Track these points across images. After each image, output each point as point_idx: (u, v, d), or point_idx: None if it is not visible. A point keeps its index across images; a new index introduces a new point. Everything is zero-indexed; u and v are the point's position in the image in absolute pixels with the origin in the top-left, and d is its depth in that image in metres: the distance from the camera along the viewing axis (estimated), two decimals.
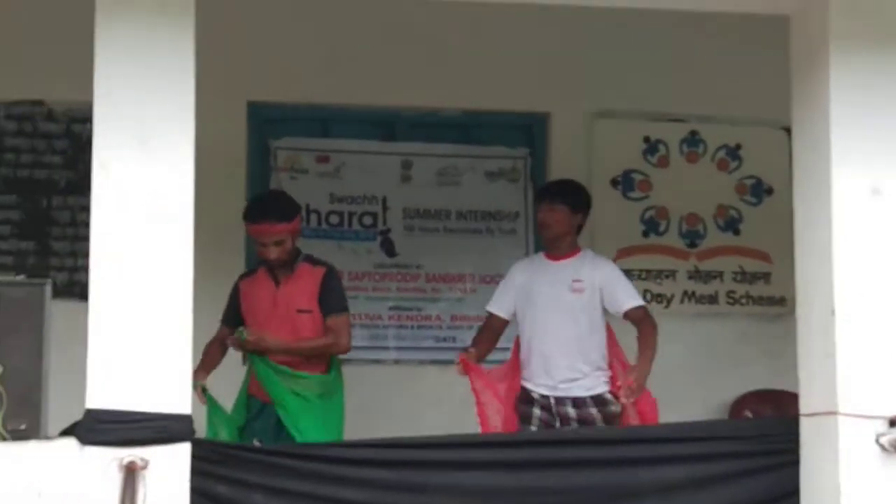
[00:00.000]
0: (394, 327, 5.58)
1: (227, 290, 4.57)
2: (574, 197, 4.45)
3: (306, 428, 4.17)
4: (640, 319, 4.33)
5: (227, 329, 4.45)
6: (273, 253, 4.28)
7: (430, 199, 5.67)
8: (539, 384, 4.31)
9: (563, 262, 4.42)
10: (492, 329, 4.48)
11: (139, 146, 3.28)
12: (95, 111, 3.29)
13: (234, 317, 4.44)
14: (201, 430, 3.81)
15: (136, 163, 3.27)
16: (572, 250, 4.44)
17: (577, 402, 4.27)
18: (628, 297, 4.37)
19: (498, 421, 4.23)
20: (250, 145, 5.52)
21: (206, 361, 4.25)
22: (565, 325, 4.30)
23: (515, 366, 4.41)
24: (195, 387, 3.80)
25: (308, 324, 4.31)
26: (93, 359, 3.19)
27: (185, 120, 3.33)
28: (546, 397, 4.28)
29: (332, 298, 4.34)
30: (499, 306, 4.47)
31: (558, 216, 4.39)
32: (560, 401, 4.27)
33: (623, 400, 4.11)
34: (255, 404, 4.33)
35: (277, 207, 4.36)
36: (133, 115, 3.28)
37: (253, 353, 4.25)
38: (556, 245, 4.44)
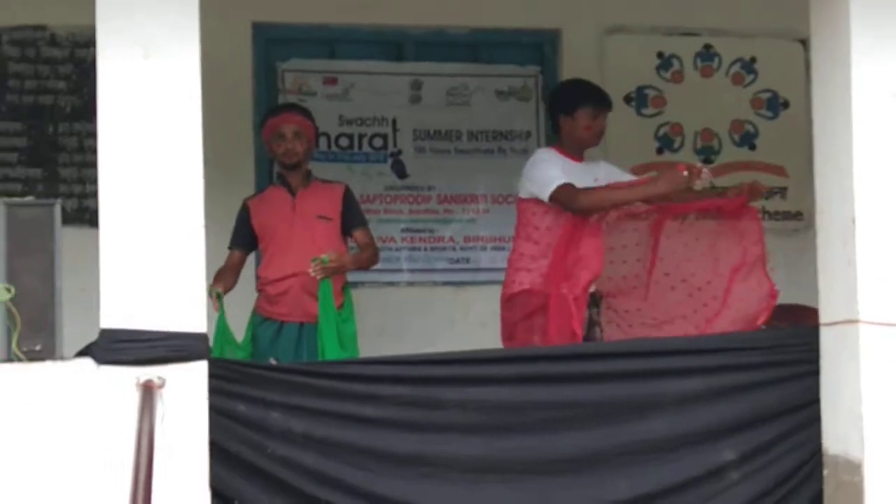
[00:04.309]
0: (406, 249, 5.55)
1: (234, 215, 4.54)
2: None
3: (333, 350, 4.18)
4: None
5: (237, 253, 4.43)
6: (292, 145, 4.33)
7: (441, 119, 5.59)
8: None
9: (583, 164, 4.39)
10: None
11: (143, 62, 3.21)
12: (98, 30, 3.22)
13: (244, 238, 4.42)
14: None
15: (141, 81, 3.21)
16: None
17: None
18: (633, 178, 4.54)
19: None
20: (256, 68, 5.44)
21: (222, 279, 4.24)
22: None
23: None
24: (210, 293, 3.82)
25: (324, 232, 4.34)
26: (106, 278, 3.16)
27: (189, 36, 3.26)
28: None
29: (357, 213, 4.50)
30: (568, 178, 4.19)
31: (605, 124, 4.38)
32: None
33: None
34: (272, 326, 4.31)
35: (300, 107, 4.61)
36: (136, 32, 3.21)
37: (328, 276, 4.17)
38: (583, 150, 4.41)
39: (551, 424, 3.57)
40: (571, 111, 4.32)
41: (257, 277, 4.49)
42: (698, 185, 4.02)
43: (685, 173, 3.96)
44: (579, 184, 4.24)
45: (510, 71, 5.66)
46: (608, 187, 4.18)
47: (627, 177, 4.54)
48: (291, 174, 4.42)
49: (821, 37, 3.72)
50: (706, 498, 3.58)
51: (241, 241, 4.44)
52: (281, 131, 4.38)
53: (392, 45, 5.60)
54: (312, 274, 4.12)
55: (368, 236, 4.47)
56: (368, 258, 4.45)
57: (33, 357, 3.12)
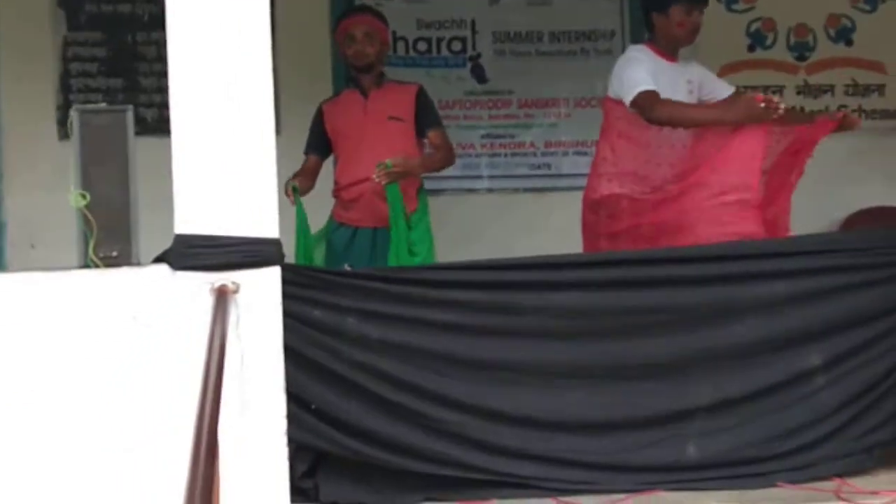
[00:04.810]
0: (486, 156, 5.49)
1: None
2: None
3: (403, 258, 4.15)
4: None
5: (313, 158, 4.42)
6: (362, 46, 4.27)
7: (521, 20, 5.49)
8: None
9: (675, 63, 4.23)
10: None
11: None
12: None
13: (318, 142, 4.41)
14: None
15: None
16: None
17: None
18: (724, 84, 4.38)
19: None
20: None
21: (297, 179, 4.25)
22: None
23: None
24: (287, 187, 3.85)
25: (398, 133, 4.28)
26: (179, 184, 3.16)
27: None
28: None
29: (431, 113, 4.40)
30: (653, 84, 4.03)
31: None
32: None
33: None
34: (346, 231, 4.31)
35: (371, 9, 4.60)
36: None
37: (394, 181, 4.12)
38: (678, 49, 4.24)
39: (634, 330, 3.51)
40: (664, 7, 4.14)
41: (335, 182, 4.48)
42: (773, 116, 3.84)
43: (762, 105, 3.79)
44: (671, 84, 4.11)
45: None
46: (688, 105, 4.03)
47: (719, 82, 4.38)
48: (364, 77, 4.36)
49: None
50: (791, 403, 3.49)
51: (315, 146, 4.42)
52: (351, 33, 4.31)
53: None
54: (376, 179, 4.06)
55: (442, 137, 4.37)
56: (440, 160, 4.36)
57: (110, 263, 3.14)
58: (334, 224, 4.37)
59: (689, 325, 3.51)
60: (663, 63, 4.16)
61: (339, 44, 4.45)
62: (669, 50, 4.21)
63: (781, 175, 4.02)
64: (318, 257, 4.29)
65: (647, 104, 3.97)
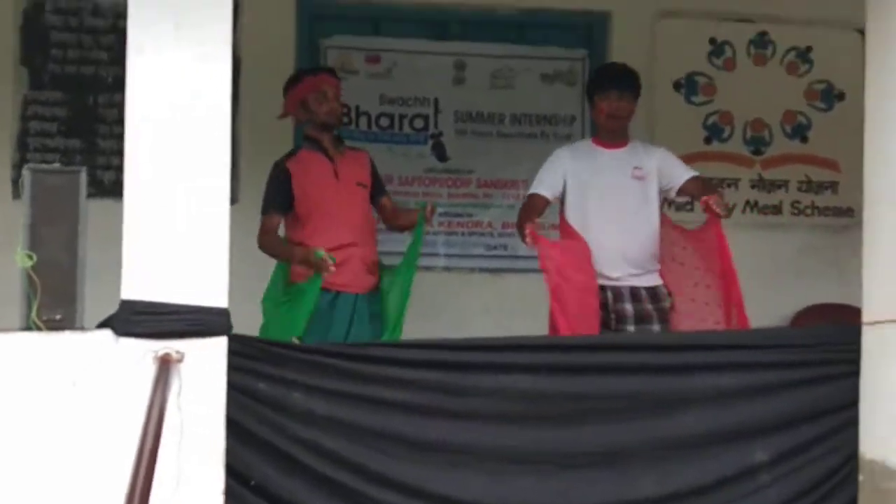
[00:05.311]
0: (444, 234, 5.48)
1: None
2: (638, 85, 4.37)
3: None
4: (700, 187, 4.31)
5: (277, 217, 4.31)
6: (334, 104, 4.36)
7: (484, 101, 5.52)
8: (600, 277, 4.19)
9: (619, 150, 4.29)
10: (537, 210, 4.30)
11: (174, 31, 3.15)
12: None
13: (285, 201, 4.29)
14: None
15: (170, 48, 3.15)
16: (626, 138, 4.36)
17: (635, 296, 4.18)
18: (686, 169, 4.37)
19: (573, 300, 4.04)
20: (299, 44, 5.39)
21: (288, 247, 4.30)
22: (632, 215, 4.23)
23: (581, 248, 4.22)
24: (324, 259, 3.91)
25: (363, 199, 4.37)
26: (128, 250, 3.12)
27: (222, 10, 3.19)
28: (604, 291, 4.18)
29: (381, 179, 4.53)
30: (547, 188, 4.28)
31: (629, 106, 4.30)
32: (618, 296, 4.17)
33: (720, 211, 4.05)
34: (327, 296, 4.19)
35: (333, 71, 4.66)
36: (170, 2, 3.16)
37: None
38: (616, 134, 4.33)
39: (583, 416, 3.49)
40: (591, 97, 4.34)
41: (296, 245, 4.33)
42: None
43: (528, 240, 4.01)
44: (611, 171, 4.23)
45: (556, 54, 5.56)
46: (531, 234, 4.03)
47: (681, 168, 4.37)
48: (325, 137, 4.35)
49: (877, 28, 3.58)
50: (735, 499, 3.47)
51: (281, 204, 4.28)
52: (323, 90, 4.34)
53: (437, 23, 5.54)
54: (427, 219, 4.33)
55: (393, 203, 4.55)
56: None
57: (53, 326, 3.08)
58: (318, 288, 4.13)
59: (637, 414, 3.50)
60: (602, 152, 4.29)
61: (298, 100, 4.36)
62: (606, 138, 4.32)
63: (715, 276, 4.15)
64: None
65: (523, 209, 4.28)
